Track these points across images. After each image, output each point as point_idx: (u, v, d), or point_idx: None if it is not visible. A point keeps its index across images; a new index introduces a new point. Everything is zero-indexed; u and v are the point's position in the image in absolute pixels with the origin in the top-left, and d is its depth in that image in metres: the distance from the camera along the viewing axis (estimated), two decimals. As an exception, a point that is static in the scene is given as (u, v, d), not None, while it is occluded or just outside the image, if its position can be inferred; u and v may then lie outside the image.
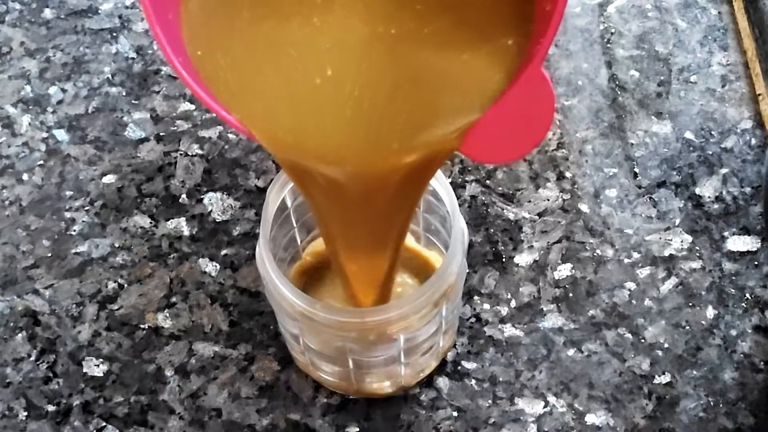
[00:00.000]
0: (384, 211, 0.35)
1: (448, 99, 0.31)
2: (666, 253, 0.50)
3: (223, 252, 0.51)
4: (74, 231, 0.51)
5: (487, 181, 0.53)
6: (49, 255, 0.51)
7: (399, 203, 0.35)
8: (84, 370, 0.48)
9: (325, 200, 0.35)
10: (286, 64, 0.31)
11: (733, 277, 0.50)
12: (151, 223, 0.52)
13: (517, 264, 0.50)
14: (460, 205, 0.47)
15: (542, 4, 0.31)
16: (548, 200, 0.52)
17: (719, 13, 0.58)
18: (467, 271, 0.44)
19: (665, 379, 0.47)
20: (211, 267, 0.50)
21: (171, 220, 0.52)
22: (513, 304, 0.49)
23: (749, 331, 0.48)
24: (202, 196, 0.52)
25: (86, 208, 0.52)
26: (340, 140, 0.31)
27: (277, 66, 0.31)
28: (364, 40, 0.31)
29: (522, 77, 0.31)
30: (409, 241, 0.48)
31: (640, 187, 0.52)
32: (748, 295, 0.49)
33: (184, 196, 0.52)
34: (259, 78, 0.31)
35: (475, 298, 0.49)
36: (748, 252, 0.50)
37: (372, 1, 0.31)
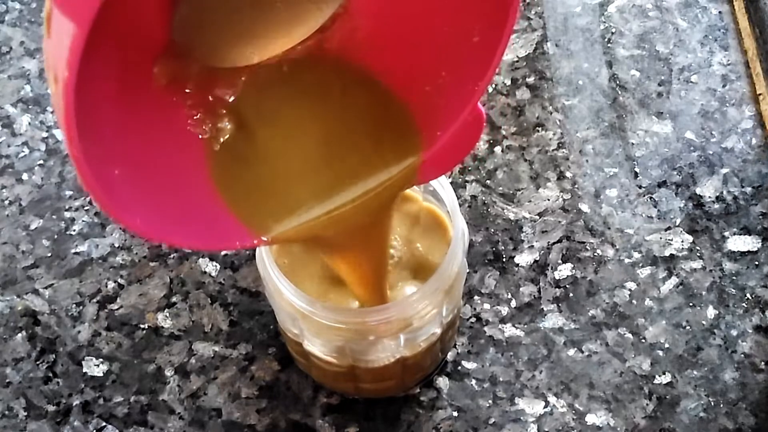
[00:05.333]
0: (364, 237, 0.40)
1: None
2: (666, 253, 0.50)
3: (223, 252, 0.51)
4: (74, 231, 0.51)
5: (488, 181, 0.52)
6: (49, 255, 0.51)
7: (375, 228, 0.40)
8: (84, 370, 0.48)
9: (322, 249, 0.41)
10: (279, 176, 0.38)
11: (734, 277, 0.49)
12: (151, 222, 0.51)
13: (518, 264, 0.50)
14: (460, 205, 0.47)
15: (470, 35, 0.35)
16: (548, 200, 0.52)
17: (720, 12, 0.58)
18: (467, 271, 0.43)
19: (666, 379, 0.47)
20: (211, 267, 0.50)
21: (171, 220, 0.52)
22: (513, 304, 0.49)
23: (750, 331, 0.48)
24: (202, 196, 0.52)
25: (86, 208, 0.52)
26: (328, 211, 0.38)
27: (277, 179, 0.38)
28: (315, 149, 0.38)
29: (460, 119, 0.35)
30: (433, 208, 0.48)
31: (640, 186, 0.52)
32: (748, 295, 0.49)
33: (184, 195, 0.52)
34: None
35: (475, 298, 0.49)
36: (749, 252, 0.50)
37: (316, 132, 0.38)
